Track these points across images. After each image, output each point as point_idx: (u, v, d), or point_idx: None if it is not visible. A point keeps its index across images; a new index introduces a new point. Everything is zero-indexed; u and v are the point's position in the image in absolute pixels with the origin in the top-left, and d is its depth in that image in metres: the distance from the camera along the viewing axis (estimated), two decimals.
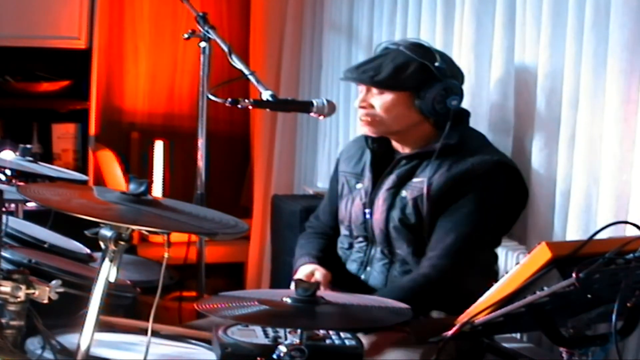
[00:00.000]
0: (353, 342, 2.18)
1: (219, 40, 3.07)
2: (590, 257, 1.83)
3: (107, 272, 1.89)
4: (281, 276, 3.91)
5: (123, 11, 5.05)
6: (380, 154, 2.74)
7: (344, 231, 2.79)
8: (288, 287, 2.43)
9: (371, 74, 2.64)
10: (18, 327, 2.08)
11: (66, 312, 2.18)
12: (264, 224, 4.59)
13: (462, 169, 2.58)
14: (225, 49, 3.00)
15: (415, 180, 2.63)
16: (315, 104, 2.85)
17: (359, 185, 2.76)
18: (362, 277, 2.71)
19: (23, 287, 2.05)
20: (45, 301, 2.04)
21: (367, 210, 2.70)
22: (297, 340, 1.94)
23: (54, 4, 4.61)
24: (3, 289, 2.04)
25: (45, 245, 2.78)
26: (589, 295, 1.89)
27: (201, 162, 3.21)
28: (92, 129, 4.78)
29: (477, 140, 2.71)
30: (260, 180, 4.84)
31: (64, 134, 4.86)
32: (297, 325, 1.96)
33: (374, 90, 2.66)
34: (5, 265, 2.27)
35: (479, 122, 2.91)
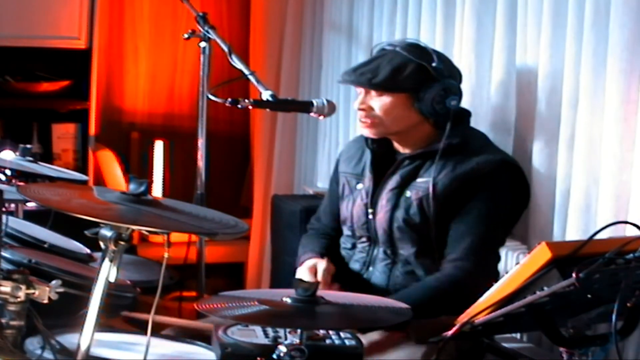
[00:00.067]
0: (353, 342, 2.18)
1: (219, 40, 3.07)
2: (590, 257, 1.83)
3: (107, 272, 1.89)
4: (281, 276, 3.91)
5: (123, 11, 5.04)
6: (380, 154, 2.73)
7: (346, 231, 2.79)
8: (288, 286, 2.43)
9: (369, 76, 2.63)
10: (18, 327, 2.07)
11: (66, 312, 2.18)
12: (264, 224, 4.59)
13: (467, 169, 2.58)
14: (225, 49, 3.00)
15: (419, 180, 2.63)
16: (315, 104, 2.85)
17: (359, 186, 2.75)
18: (365, 276, 2.71)
19: (23, 287, 2.04)
20: (45, 301, 2.04)
21: (369, 211, 2.70)
22: (297, 340, 1.94)
23: (54, 4, 4.61)
24: (3, 289, 2.04)
25: (45, 245, 2.77)
26: (589, 295, 1.89)
27: (201, 162, 3.21)
28: (92, 129, 4.77)
29: (479, 140, 2.70)
30: (260, 180, 4.83)
31: (64, 134, 4.85)
32: (297, 325, 1.95)
33: (373, 92, 2.66)
34: (5, 265, 2.26)
35: (479, 122, 2.91)
